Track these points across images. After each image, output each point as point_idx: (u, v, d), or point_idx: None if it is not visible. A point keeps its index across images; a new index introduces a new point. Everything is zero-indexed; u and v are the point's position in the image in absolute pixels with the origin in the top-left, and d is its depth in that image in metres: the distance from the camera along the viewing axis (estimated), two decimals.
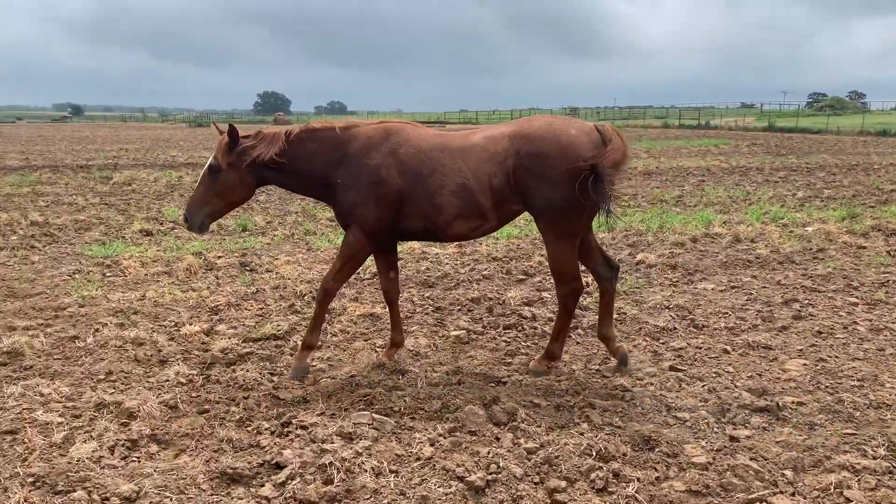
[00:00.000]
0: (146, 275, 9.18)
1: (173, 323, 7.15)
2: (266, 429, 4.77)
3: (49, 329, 6.93)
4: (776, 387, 5.46)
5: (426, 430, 4.72)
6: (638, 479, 4.08)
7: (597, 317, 6.27)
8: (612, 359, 6.00)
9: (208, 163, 5.62)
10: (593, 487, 4.02)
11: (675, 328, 6.95)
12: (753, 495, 3.92)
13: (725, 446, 4.50)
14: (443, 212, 5.48)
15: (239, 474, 4.18)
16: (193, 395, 5.41)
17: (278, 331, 6.78)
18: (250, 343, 6.54)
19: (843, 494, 3.93)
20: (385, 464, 4.27)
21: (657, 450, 4.44)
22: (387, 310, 6.55)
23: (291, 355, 6.27)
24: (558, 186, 5.29)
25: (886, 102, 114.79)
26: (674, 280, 8.88)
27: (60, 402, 5.23)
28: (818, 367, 5.85)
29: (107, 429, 4.75)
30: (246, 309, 7.66)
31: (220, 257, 10.23)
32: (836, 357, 6.09)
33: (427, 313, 7.54)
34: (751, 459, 4.30)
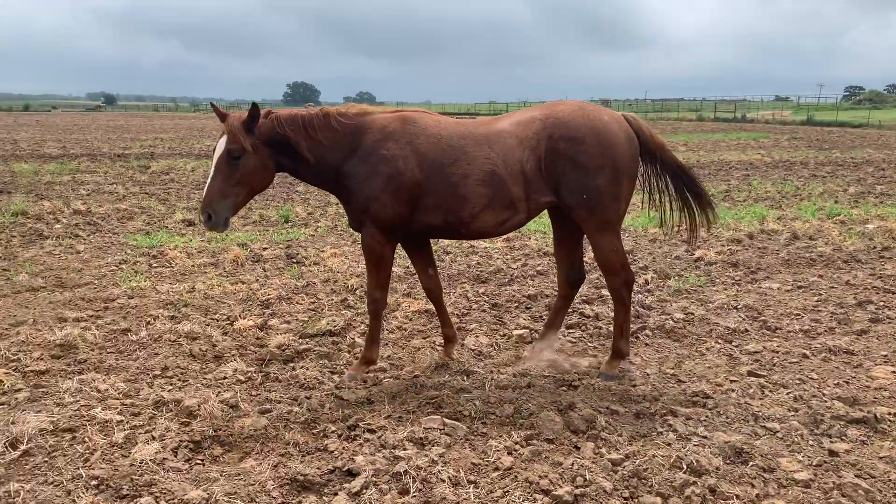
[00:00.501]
0: (193, 266, 9.03)
1: (225, 317, 6.97)
2: (333, 432, 4.56)
3: (100, 321, 6.79)
4: (867, 396, 5.13)
5: (501, 437, 4.47)
6: (737, 497, 3.80)
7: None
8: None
9: (222, 148, 4.98)
10: None
11: (748, 330, 6.63)
12: None
13: (825, 461, 4.19)
14: (467, 203, 5.14)
15: (310, 481, 3.97)
16: (253, 393, 5.22)
17: (334, 326, 6.57)
18: (306, 339, 6.34)
19: None
20: (462, 473, 4.03)
21: (751, 464, 4.15)
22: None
23: (349, 352, 6.06)
24: (594, 174, 5.06)
25: None
26: (736, 278, 8.53)
27: (118, 399, 5.06)
28: None
29: (168, 428, 4.57)
30: (297, 303, 7.46)
31: (265, 249, 10.07)
32: None
33: (484, 310, 7.29)
34: (857, 477, 3.99)
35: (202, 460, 4.27)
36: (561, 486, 3.85)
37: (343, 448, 4.34)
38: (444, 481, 3.93)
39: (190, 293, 7.76)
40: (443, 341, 6.01)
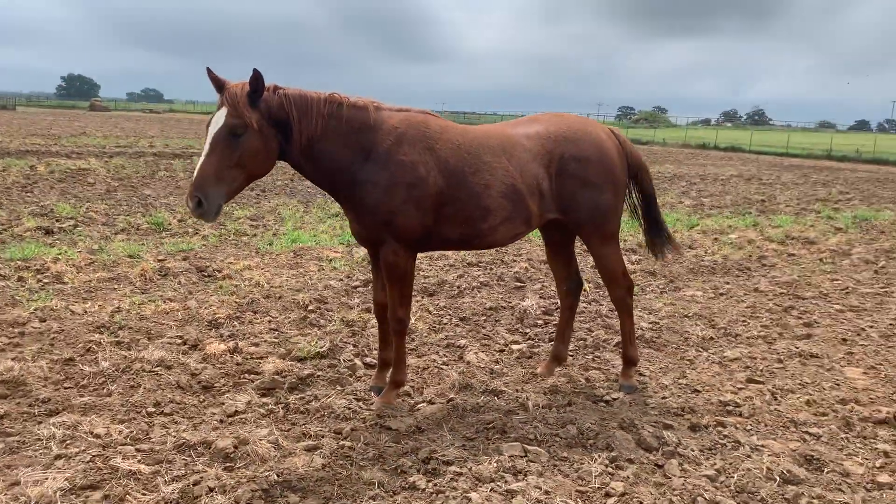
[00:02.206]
0: (92, 281, 7.91)
1: (181, 340, 6.16)
2: (410, 467, 4.16)
3: (27, 349, 5.74)
4: (861, 396, 5.57)
5: (583, 460, 4.32)
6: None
7: (564, 334, 5.95)
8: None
9: (220, 122, 4.24)
10: None
11: (713, 338, 6.98)
12: None
13: (886, 462, 4.49)
14: (489, 216, 4.91)
15: None
16: (284, 428, 4.65)
17: (321, 348, 6.03)
18: (299, 364, 5.76)
19: None
20: (580, 503, 3.85)
21: (826, 470, 4.34)
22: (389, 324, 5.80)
23: (352, 375, 5.59)
24: (600, 190, 5.19)
25: (685, 117, 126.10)
26: (661, 287, 8.98)
27: (128, 444, 4.29)
28: (879, 375, 6.07)
29: (217, 476, 3.94)
30: (252, 323, 6.78)
31: (162, 260, 9.07)
32: (888, 362, 6.35)
33: (456, 324, 7.06)
34: None
35: None
36: None
37: (434, 485, 3.97)
38: None
39: (117, 314, 6.78)
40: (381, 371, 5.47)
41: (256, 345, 6.16)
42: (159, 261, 9.01)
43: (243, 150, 4.26)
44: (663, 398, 5.41)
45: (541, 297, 8.06)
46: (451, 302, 7.80)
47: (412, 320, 6.90)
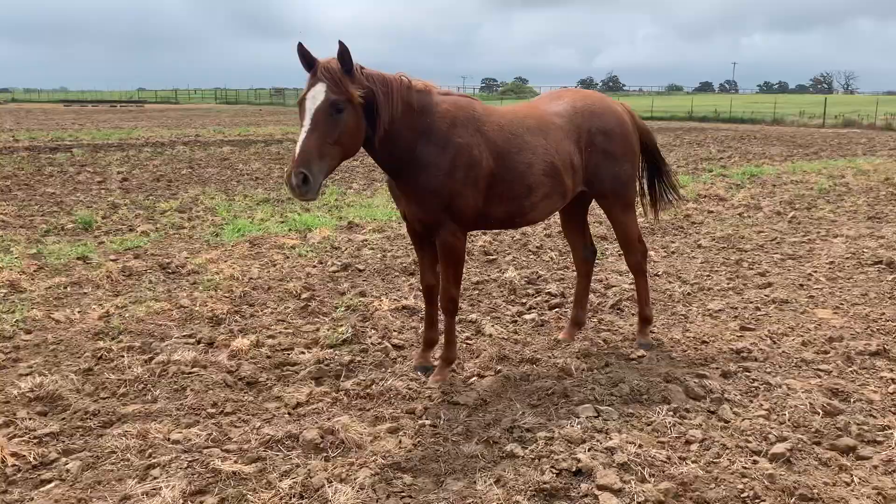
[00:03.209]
0: (54, 288, 7.47)
1: (194, 340, 6.00)
2: (500, 437, 4.34)
3: (33, 363, 5.43)
4: (843, 333, 6.19)
5: (648, 414, 4.64)
6: (888, 427, 4.48)
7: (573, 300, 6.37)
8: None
9: (321, 98, 4.21)
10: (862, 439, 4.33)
11: (690, 293, 7.50)
12: None
13: None
14: (533, 193, 5.11)
15: (553, 487, 3.79)
16: (357, 413, 4.69)
17: (346, 335, 6.03)
18: (331, 350, 5.75)
19: None
20: (671, 451, 4.17)
21: (853, 399, 4.88)
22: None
23: (387, 357, 5.66)
24: (621, 162, 5.55)
25: (547, 86, 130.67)
26: (617, 250, 9.49)
27: (213, 447, 4.23)
28: (847, 314, 6.77)
29: (325, 469, 3.97)
30: (256, 316, 6.67)
31: (113, 260, 8.65)
32: (847, 301, 7.08)
33: (472, 298, 7.22)
34: None
35: (409, 494, 3.81)
36: (774, 445, 4.19)
37: (531, 451, 4.16)
38: (678, 461, 4.03)
39: (108, 318, 6.48)
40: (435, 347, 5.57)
41: (273, 337, 6.09)
42: (112, 261, 8.59)
43: (343, 127, 4.27)
44: (683, 351, 5.84)
45: (518, 269, 8.33)
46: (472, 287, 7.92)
47: (412, 301, 7.01)
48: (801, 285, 7.76)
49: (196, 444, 4.25)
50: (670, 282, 7.88)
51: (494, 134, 4.94)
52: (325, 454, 4.16)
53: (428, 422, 4.54)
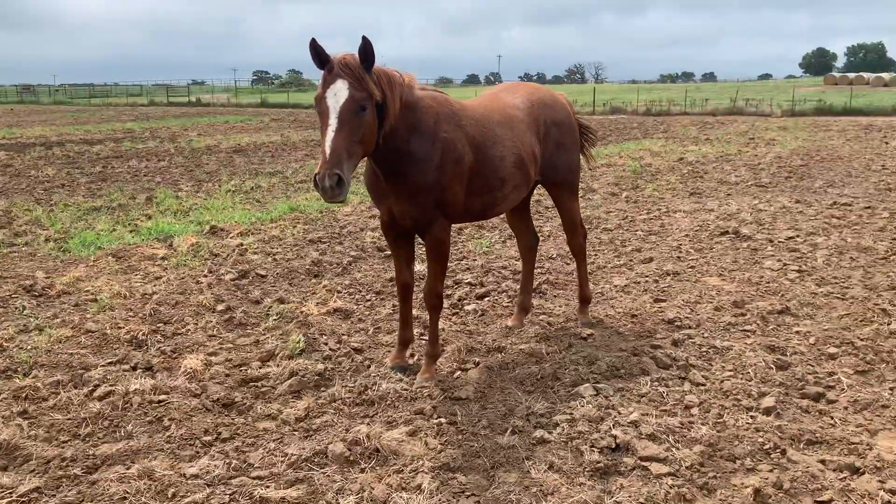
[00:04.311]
0: None
1: (129, 366, 5.41)
2: (524, 426, 4.43)
3: None
4: (743, 296, 6.96)
5: (636, 387, 4.95)
6: (817, 373, 5.16)
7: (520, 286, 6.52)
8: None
9: (345, 95, 4.08)
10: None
11: (590, 271, 7.99)
12: None
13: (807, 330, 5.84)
14: (505, 185, 5.25)
15: (606, 465, 3.96)
16: (367, 421, 4.53)
17: (300, 343, 5.74)
18: (292, 361, 5.44)
19: None
20: (683, 418, 4.50)
21: (790, 352, 5.54)
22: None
23: (353, 361, 5.49)
24: (572, 151, 5.93)
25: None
26: (497, 239, 9.83)
27: (241, 475, 3.89)
28: (733, 279, 7.60)
29: (380, 478, 3.83)
30: (180, 334, 6.13)
31: None
32: (724, 268, 7.93)
33: (384, 298, 7.11)
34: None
35: (473, 493, 3.79)
36: (758, 400, 4.66)
37: (559, 433, 4.30)
38: (683, 426, 4.36)
39: (4, 351, 5.64)
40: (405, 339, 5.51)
41: (215, 354, 5.66)
42: None
43: (366, 126, 4.17)
44: (624, 326, 6.24)
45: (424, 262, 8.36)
46: (346, 279, 7.75)
47: (340, 303, 6.82)
48: (679, 258, 8.56)
49: (219, 475, 3.89)
50: (567, 263, 8.32)
51: (472, 128, 4.97)
52: (360, 465, 4.00)
53: (444, 420, 4.49)
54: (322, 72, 4.23)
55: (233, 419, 4.60)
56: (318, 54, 4.19)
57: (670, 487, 3.74)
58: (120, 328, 6.13)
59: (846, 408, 4.66)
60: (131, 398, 4.74)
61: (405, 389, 4.92)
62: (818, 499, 3.67)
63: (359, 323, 6.38)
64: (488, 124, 5.12)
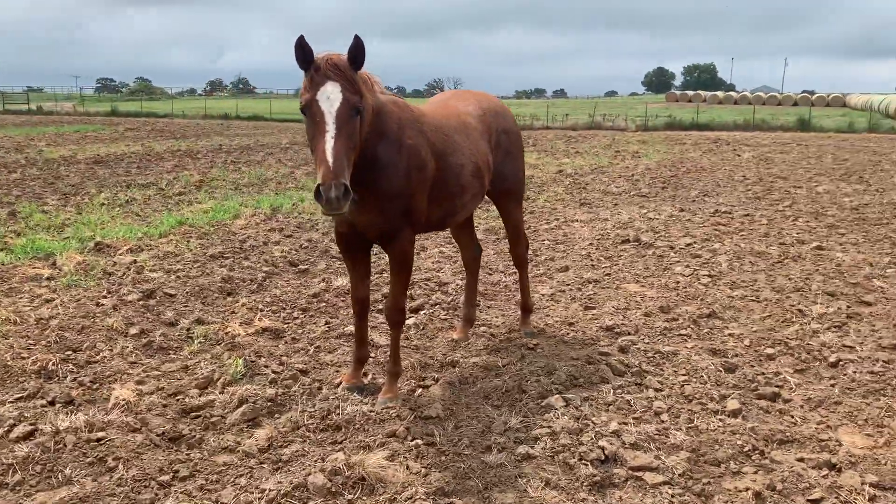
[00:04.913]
0: None
1: (47, 400, 4.77)
2: (506, 442, 4.27)
3: None
4: (670, 300, 7.14)
5: (600, 395, 4.93)
6: (738, 383, 5.36)
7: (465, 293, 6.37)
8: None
9: (339, 98, 3.83)
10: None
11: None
12: None
13: (718, 336, 6.06)
14: (464, 194, 5.10)
15: (603, 478, 3.88)
16: (338, 447, 4.22)
17: (241, 368, 5.30)
18: (237, 387, 5.01)
19: None
20: (659, 425, 4.51)
21: (731, 355, 5.72)
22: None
23: (303, 383, 5.13)
24: (519, 160, 5.96)
25: (177, 87, 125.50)
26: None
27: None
28: (652, 285, 7.80)
29: None
30: (96, 361, 5.51)
31: None
32: (640, 275, 8.14)
33: (312, 315, 6.74)
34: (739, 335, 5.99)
35: None
36: (721, 403, 4.75)
37: (543, 448, 4.19)
38: (660, 433, 4.37)
39: None
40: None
41: (143, 382, 5.12)
42: None
43: (359, 131, 3.95)
44: (569, 334, 6.23)
45: (342, 276, 8.03)
46: (265, 296, 7.30)
47: (267, 322, 6.41)
48: (593, 266, 8.72)
49: None
50: (490, 273, 8.26)
51: (433, 135, 4.79)
52: (346, 497, 3.71)
53: (420, 441, 4.26)
54: (308, 72, 3.92)
55: (187, 454, 4.14)
56: (305, 53, 3.89)
57: (672, 497, 3.72)
58: (23, 358, 5.43)
59: (802, 406, 4.84)
60: (64, 437, 4.17)
61: (371, 411, 4.64)
62: (809, 497, 3.75)
63: (294, 343, 6.00)
64: (448, 131, 4.96)
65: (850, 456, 4.12)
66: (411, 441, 4.26)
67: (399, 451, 4.16)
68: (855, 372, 5.32)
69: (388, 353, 5.10)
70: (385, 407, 4.69)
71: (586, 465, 3.98)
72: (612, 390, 4.99)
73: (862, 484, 3.82)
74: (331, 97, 3.83)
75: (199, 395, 4.89)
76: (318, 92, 3.85)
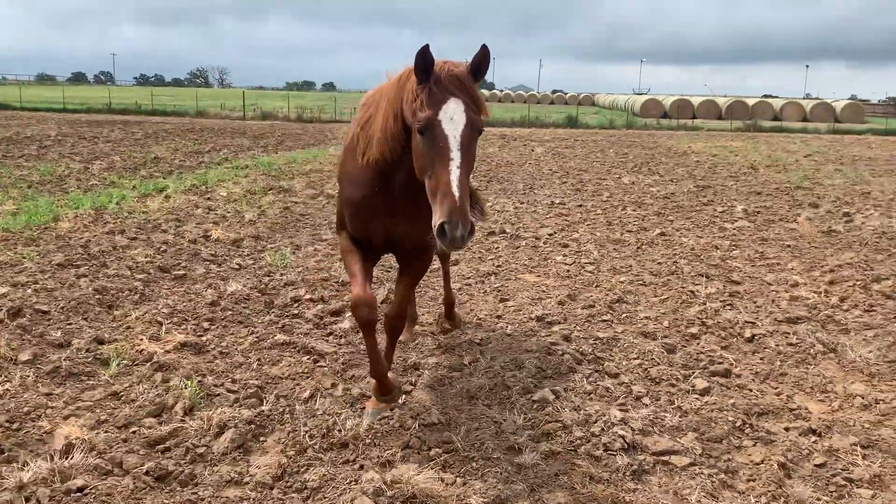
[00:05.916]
0: None
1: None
2: (512, 441, 4.20)
3: None
4: (572, 290, 7.41)
5: (576, 385, 5.02)
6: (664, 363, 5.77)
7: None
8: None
9: (463, 120, 3.47)
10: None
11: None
12: None
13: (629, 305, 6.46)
14: None
15: (640, 465, 3.95)
16: (358, 466, 3.89)
17: (200, 394, 4.67)
18: (210, 412, 4.42)
19: None
20: (646, 409, 4.67)
21: (660, 336, 6.07)
22: None
23: (267, 400, 4.66)
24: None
25: None
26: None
27: None
28: (547, 274, 8.04)
29: None
30: (27, 389, 4.59)
31: None
32: (539, 265, 8.35)
33: (225, 325, 6.11)
34: (650, 321, 6.45)
35: None
36: (691, 384, 5.03)
37: (565, 444, 4.18)
38: (656, 417, 4.55)
39: None
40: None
41: (77, 416, 4.36)
42: None
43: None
44: (506, 327, 6.24)
45: (236, 280, 7.38)
46: (156, 307, 6.50)
47: (181, 336, 5.74)
48: (480, 258, 8.81)
49: None
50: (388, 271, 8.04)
51: None
52: None
53: (440, 450, 4.05)
54: (426, 84, 3.53)
55: (196, 493, 3.59)
56: (427, 64, 3.49)
57: (707, 477, 3.86)
58: None
59: (753, 380, 5.25)
60: (35, 492, 3.42)
61: (373, 423, 4.32)
62: (816, 463, 4.08)
63: (228, 357, 5.41)
64: None
65: (824, 422, 4.55)
66: (431, 450, 4.04)
67: (423, 460, 3.92)
68: (777, 345, 5.87)
69: (368, 359, 4.72)
70: (382, 418, 4.38)
71: (621, 454, 4.02)
72: (584, 378, 5.09)
73: (851, 445, 4.23)
74: (454, 118, 3.46)
75: (160, 425, 4.26)
76: (440, 111, 3.46)
